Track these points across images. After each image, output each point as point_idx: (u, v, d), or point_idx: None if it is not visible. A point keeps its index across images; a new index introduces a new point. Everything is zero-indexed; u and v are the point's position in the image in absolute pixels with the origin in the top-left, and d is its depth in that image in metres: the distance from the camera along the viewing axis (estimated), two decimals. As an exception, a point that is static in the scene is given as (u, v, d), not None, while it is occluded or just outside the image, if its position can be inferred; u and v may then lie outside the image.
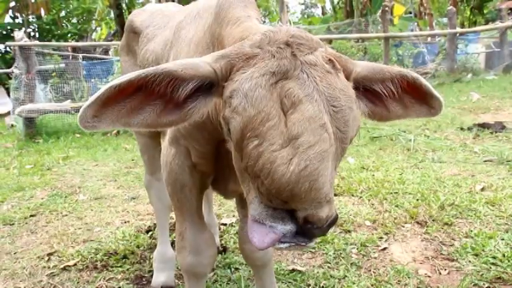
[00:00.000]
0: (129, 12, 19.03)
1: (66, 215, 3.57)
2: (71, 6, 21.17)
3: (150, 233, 3.11)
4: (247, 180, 1.01)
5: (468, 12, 24.57)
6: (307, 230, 0.91)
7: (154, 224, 3.26)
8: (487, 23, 21.63)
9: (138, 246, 2.89)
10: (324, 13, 32.20)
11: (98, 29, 26.07)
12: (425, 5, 21.42)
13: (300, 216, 0.89)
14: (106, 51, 14.64)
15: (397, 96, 1.15)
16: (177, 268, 2.55)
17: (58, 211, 3.64)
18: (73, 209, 3.71)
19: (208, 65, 1.00)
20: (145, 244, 2.92)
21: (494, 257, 2.48)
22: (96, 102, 0.95)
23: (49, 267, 2.66)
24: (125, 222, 3.39)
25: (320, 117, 0.88)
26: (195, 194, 1.59)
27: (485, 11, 24.65)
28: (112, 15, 19.09)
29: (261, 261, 1.83)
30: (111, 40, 17.40)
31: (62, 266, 2.65)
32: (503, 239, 2.68)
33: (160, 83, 0.97)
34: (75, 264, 2.68)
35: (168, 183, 1.59)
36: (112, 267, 2.63)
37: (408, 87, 1.17)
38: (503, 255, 2.49)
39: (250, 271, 2.47)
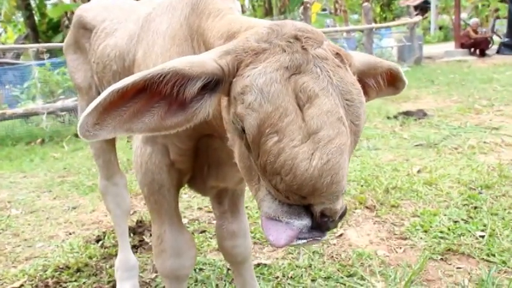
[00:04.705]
0: (40, 14, 17.73)
1: (0, 233, 3.26)
2: (-29, 6, 19.26)
3: (101, 242, 2.94)
4: (256, 178, 0.98)
5: (378, 9, 26.25)
6: (323, 223, 0.91)
7: (104, 232, 3.09)
8: (394, 19, 23.27)
9: (90, 257, 2.72)
10: (243, 11, 32.56)
11: (4, 32, 23.98)
12: (340, 2, 22.49)
13: (317, 210, 0.89)
14: (17, 56, 13.49)
15: (383, 88, 1.19)
16: (139, 275, 2.44)
17: (-11, 229, 3.31)
18: (6, 225, 3.39)
19: (214, 61, 0.96)
20: (98, 254, 2.76)
21: (441, 232, 2.68)
22: (97, 109, 0.88)
23: (-10, 292, 2.41)
24: (70, 234, 3.17)
25: (337, 110, 0.88)
26: (173, 194, 1.52)
27: (393, 8, 26.56)
28: (20, 17, 17.67)
29: (241, 256, 1.80)
30: (22, 44, 16.06)
31: (6, 289, 2.42)
32: (445, 215, 2.91)
33: (167, 83, 0.92)
34: (21, 286, 2.46)
35: (144, 184, 1.50)
36: (66, 282, 2.45)
37: (390, 78, 1.21)
38: (449, 229, 2.71)
39: (218, 269, 2.43)
